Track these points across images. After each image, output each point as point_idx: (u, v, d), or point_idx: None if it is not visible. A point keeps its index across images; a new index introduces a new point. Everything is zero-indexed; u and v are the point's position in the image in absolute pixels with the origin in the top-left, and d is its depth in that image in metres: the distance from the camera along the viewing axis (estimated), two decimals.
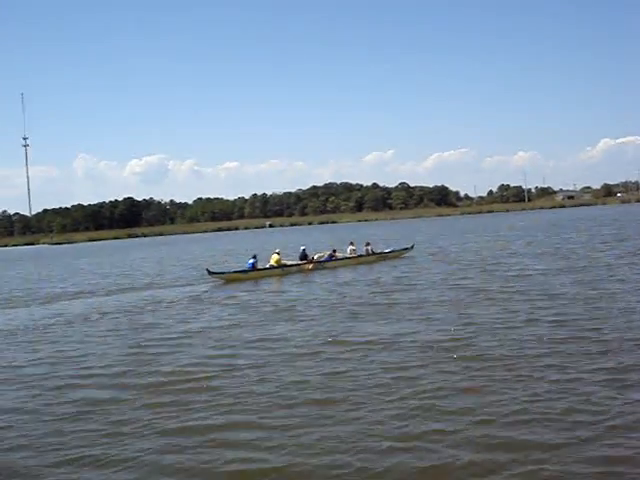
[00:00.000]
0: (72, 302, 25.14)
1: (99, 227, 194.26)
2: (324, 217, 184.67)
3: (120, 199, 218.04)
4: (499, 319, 14.81)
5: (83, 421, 9.56)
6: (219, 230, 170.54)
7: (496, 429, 8.20)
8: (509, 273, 24.12)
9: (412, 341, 13.13)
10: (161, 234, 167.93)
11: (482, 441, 7.88)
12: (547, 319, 14.44)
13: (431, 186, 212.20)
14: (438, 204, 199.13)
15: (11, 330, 18.82)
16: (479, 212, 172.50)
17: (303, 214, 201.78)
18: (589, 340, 12.24)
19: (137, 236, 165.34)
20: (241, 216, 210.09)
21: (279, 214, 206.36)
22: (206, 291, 25.71)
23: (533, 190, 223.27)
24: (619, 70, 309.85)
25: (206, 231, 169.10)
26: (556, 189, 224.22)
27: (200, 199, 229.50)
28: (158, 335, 16.17)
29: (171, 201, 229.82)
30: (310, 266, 31.29)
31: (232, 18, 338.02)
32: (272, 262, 30.72)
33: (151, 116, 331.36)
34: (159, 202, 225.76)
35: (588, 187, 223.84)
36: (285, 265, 31.11)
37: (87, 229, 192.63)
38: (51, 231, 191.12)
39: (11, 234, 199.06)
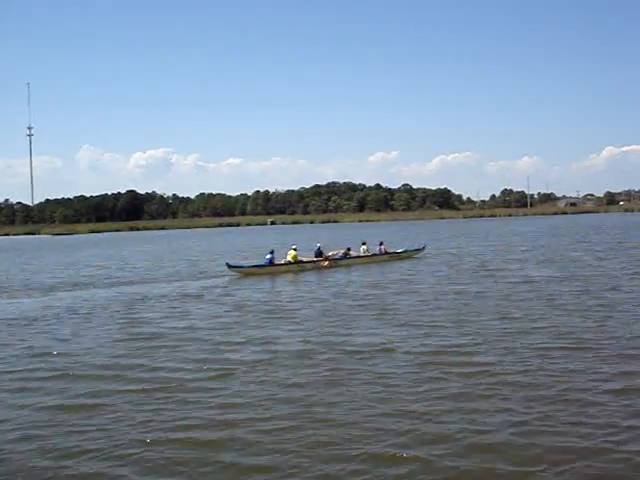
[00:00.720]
0: (63, 294, 25.10)
1: (101, 219, 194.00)
2: (326, 216, 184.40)
3: (123, 192, 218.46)
4: (498, 327, 14.77)
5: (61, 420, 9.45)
6: (220, 226, 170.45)
7: (490, 437, 8.22)
8: (511, 279, 24.08)
9: (405, 351, 12.93)
10: (163, 228, 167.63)
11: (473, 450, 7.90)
12: (548, 329, 14.40)
13: (434, 188, 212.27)
14: (440, 207, 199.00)
15: None
16: (481, 216, 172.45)
17: (305, 212, 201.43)
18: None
19: (138, 229, 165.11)
20: (243, 212, 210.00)
21: (281, 212, 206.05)
22: (207, 287, 25.69)
23: (536, 196, 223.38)
24: (625, 78, 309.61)
25: (207, 226, 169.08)
26: (559, 195, 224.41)
27: (203, 194, 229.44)
28: (145, 332, 16.06)
29: (174, 195, 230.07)
30: (325, 263, 32.06)
31: (237, 14, 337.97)
32: (289, 258, 31.41)
33: (156, 110, 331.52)
34: (162, 196, 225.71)
35: (591, 194, 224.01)
36: (301, 261, 31.77)
37: (89, 220, 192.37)
38: (53, 221, 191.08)
39: (12, 223, 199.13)
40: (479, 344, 13.09)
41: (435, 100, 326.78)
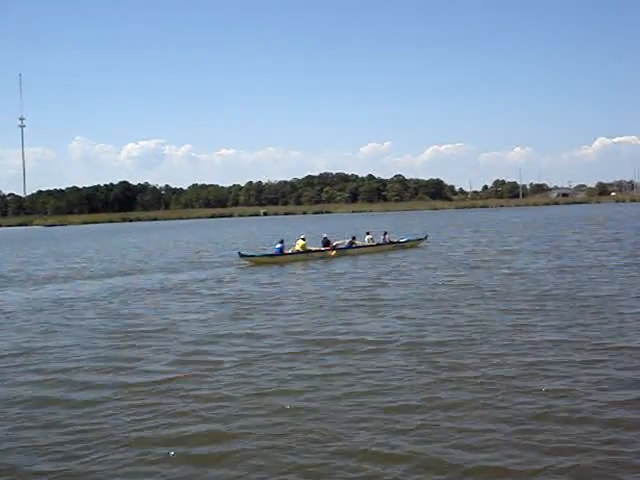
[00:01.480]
0: (46, 286, 25.01)
1: (93, 210, 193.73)
2: (319, 207, 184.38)
3: (115, 183, 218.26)
4: (486, 320, 14.65)
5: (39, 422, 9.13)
6: (213, 217, 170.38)
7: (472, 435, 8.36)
8: (505, 271, 23.92)
9: (396, 343, 12.84)
10: (155, 219, 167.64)
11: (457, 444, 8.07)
12: (541, 323, 14.30)
13: (426, 179, 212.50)
14: (433, 197, 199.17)
15: None
16: (473, 207, 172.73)
17: (298, 203, 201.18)
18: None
19: (131, 220, 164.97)
20: (236, 203, 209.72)
21: (274, 202, 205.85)
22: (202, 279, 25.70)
23: (528, 186, 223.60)
24: (617, 69, 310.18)
25: (200, 217, 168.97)
26: (551, 186, 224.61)
27: (195, 185, 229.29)
28: (130, 327, 15.60)
29: (166, 186, 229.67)
30: (333, 252, 32.86)
31: (225, 6, 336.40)
32: (297, 247, 32.23)
33: (148, 101, 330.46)
34: (154, 187, 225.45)
35: (583, 185, 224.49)
36: (310, 250, 32.60)
37: (81, 212, 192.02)
38: (45, 213, 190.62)
39: (5, 214, 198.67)
40: (472, 338, 12.95)
41: (427, 91, 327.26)
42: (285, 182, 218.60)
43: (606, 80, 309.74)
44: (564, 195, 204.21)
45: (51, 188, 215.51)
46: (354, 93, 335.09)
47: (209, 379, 10.75)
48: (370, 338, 13.17)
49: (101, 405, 9.67)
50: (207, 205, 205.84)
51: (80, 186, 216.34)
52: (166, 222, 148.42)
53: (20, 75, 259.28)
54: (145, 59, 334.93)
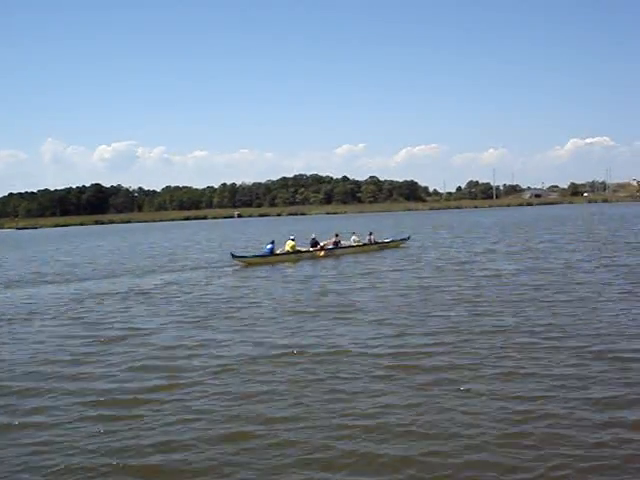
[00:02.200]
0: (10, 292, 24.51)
1: (65, 213, 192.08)
2: (293, 208, 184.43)
3: (88, 185, 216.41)
4: (456, 325, 14.52)
5: None
6: (187, 219, 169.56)
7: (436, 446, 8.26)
8: (480, 273, 23.95)
9: (360, 351, 12.63)
10: (129, 221, 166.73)
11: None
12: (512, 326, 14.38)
13: (401, 180, 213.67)
14: (407, 199, 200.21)
15: None
16: (447, 208, 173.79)
17: (272, 205, 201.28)
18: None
19: (104, 223, 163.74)
20: (210, 205, 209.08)
21: (248, 204, 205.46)
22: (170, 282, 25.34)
23: (501, 187, 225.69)
24: (589, 71, 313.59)
25: (174, 219, 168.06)
26: (524, 187, 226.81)
27: (169, 187, 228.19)
28: (87, 334, 15.15)
29: (139, 188, 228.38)
30: (322, 253, 33.59)
31: (199, 8, 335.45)
32: (287, 248, 32.84)
33: (121, 102, 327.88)
34: (127, 189, 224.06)
35: (555, 186, 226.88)
36: (299, 251, 33.25)
37: (53, 214, 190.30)
38: (16, 216, 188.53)
39: None
40: (443, 343, 12.89)
41: (401, 93, 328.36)
42: (260, 184, 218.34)
43: (578, 81, 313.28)
44: (537, 196, 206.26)
45: (22, 191, 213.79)
46: (328, 95, 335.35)
47: (172, 392, 10.34)
48: (344, 346, 12.93)
49: (53, 417, 9.42)
50: (181, 207, 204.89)
51: (52, 188, 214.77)
52: (139, 224, 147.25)
53: None
54: (118, 61, 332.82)
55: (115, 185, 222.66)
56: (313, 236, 35.49)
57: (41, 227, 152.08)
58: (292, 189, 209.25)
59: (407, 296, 18.96)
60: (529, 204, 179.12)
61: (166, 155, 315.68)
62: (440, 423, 8.56)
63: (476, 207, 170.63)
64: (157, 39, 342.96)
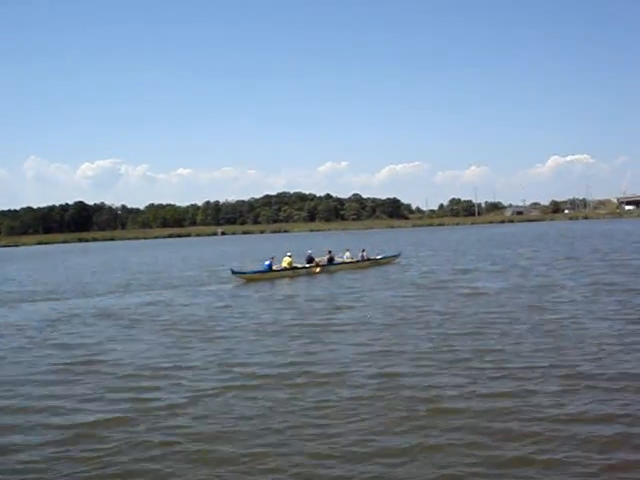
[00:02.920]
0: None
1: (49, 230, 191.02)
2: (276, 226, 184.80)
3: (71, 203, 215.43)
4: (434, 347, 14.39)
5: None
6: (170, 236, 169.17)
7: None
8: (461, 291, 23.91)
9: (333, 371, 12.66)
10: (112, 239, 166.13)
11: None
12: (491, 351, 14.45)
13: (383, 198, 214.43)
14: (390, 216, 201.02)
15: None
16: (430, 225, 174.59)
17: (256, 222, 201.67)
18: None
19: (87, 240, 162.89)
20: (193, 223, 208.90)
21: (231, 222, 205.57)
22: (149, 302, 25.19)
23: (483, 205, 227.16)
24: (569, 89, 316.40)
25: (157, 237, 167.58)
26: (506, 204, 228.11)
27: (152, 205, 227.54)
28: (58, 357, 14.79)
29: (123, 206, 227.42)
30: (318, 269, 34.45)
31: (188, 24, 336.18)
32: (284, 264, 33.68)
33: (104, 120, 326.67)
34: (110, 207, 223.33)
35: (537, 203, 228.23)
36: (296, 267, 34.17)
37: (36, 232, 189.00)
38: None
39: None
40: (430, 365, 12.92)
41: (383, 111, 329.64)
42: (243, 201, 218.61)
43: (559, 99, 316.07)
44: (519, 213, 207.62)
45: (4, 208, 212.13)
46: (310, 113, 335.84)
47: (141, 421, 9.95)
48: (325, 368, 12.78)
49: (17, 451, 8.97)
50: (164, 225, 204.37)
51: (35, 206, 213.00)
52: (122, 242, 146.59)
53: None
54: (101, 78, 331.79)
55: (99, 203, 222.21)
56: (309, 252, 36.71)
57: (23, 245, 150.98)
58: (275, 207, 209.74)
59: (399, 315, 18.90)
60: (510, 221, 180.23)
61: (150, 173, 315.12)
62: (424, 445, 8.49)
63: (458, 224, 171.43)
64: (140, 55, 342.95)
